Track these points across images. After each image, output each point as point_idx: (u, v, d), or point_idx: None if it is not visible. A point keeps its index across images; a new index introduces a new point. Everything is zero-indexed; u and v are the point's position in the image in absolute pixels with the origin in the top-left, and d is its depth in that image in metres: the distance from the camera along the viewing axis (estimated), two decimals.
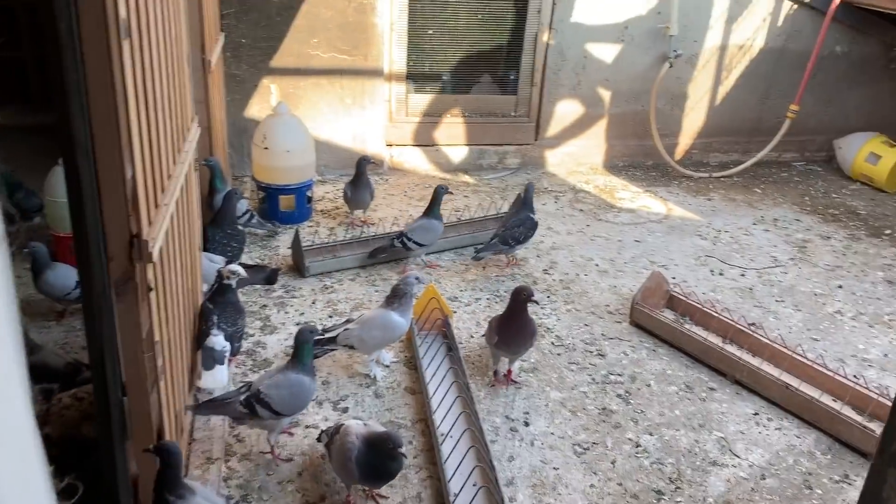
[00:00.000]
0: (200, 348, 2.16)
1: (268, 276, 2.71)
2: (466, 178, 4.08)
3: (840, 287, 3.08)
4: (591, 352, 2.56)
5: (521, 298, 2.25)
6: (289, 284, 2.90)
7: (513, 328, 2.26)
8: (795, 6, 4.15)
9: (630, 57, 4.10)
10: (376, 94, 3.86)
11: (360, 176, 3.32)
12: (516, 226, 3.03)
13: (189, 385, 2.11)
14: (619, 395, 2.35)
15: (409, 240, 2.98)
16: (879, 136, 4.22)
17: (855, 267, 3.26)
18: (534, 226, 3.09)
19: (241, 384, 2.04)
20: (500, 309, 2.74)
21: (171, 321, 1.82)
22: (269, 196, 3.39)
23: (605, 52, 4.07)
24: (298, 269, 2.98)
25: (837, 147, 4.39)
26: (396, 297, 2.32)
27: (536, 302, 2.32)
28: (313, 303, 2.78)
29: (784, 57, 4.26)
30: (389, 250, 3.03)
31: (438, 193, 3.03)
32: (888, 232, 3.63)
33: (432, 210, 3.03)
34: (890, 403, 2.14)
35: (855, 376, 2.41)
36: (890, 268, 3.26)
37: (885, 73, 4.42)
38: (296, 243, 2.99)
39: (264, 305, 2.75)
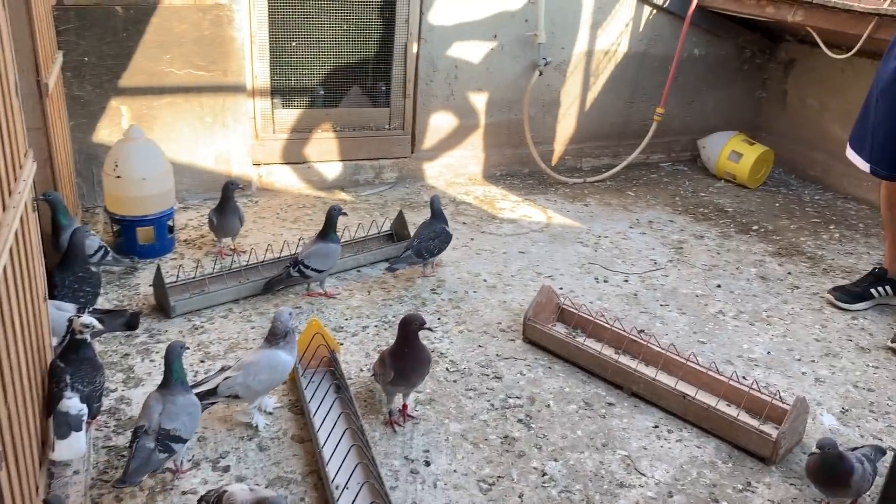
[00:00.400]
0: (52, 414, 1.88)
1: (128, 321, 2.43)
2: (343, 195, 3.90)
3: (719, 286, 3.14)
4: (487, 375, 2.46)
5: (412, 328, 2.11)
6: (153, 327, 2.62)
7: (408, 361, 2.11)
8: (655, 11, 4.26)
9: (501, 66, 4.06)
10: (239, 111, 3.61)
11: (227, 201, 3.07)
12: (431, 238, 2.98)
13: (41, 461, 1.83)
14: (519, 420, 2.25)
15: (307, 267, 2.79)
16: (739, 135, 4.40)
17: (730, 265, 3.35)
18: (448, 238, 3.05)
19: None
20: (389, 337, 2.60)
21: (10, 393, 1.54)
22: (125, 229, 3.07)
23: (476, 61, 4.01)
24: (163, 308, 2.71)
25: (701, 147, 4.55)
26: (278, 336, 2.13)
27: (430, 329, 2.19)
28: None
29: (647, 61, 4.37)
30: (286, 280, 2.83)
31: (332, 215, 2.86)
32: (755, 228, 3.77)
33: (327, 233, 2.86)
34: (782, 405, 2.17)
35: (744, 377, 2.44)
36: (761, 263, 3.38)
37: (740, 73, 4.63)
38: (158, 280, 2.71)
39: (126, 354, 2.47)
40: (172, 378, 1.91)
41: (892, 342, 2.70)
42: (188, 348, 2.39)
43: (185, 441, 1.89)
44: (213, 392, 2.06)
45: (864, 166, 2.83)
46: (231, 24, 3.46)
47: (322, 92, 3.87)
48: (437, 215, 3.09)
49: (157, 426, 1.84)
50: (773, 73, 4.67)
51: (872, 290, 2.97)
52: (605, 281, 3.16)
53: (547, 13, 3.95)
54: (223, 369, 2.16)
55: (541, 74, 4.08)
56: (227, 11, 3.44)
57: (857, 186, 4.13)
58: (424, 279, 3.06)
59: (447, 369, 2.47)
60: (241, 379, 2.06)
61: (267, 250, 3.08)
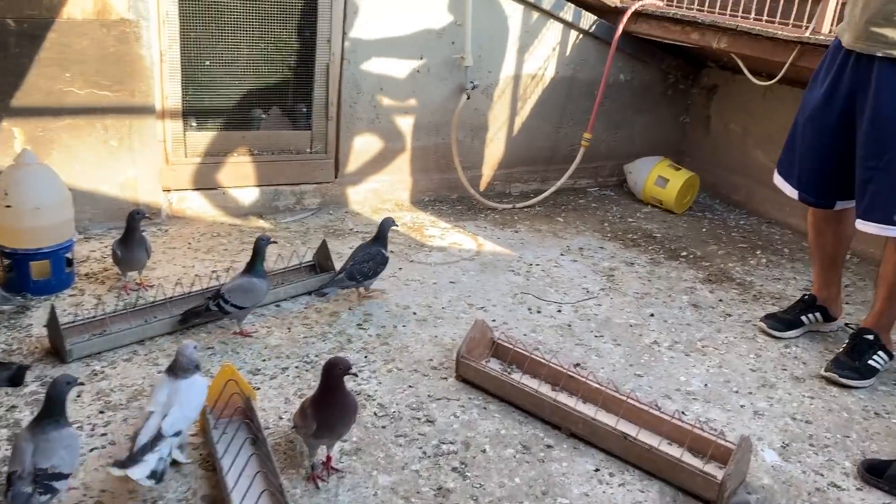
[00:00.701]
0: None
1: (11, 377, 2.16)
2: (261, 222, 3.68)
3: (652, 315, 3.08)
4: (418, 419, 2.29)
5: (336, 373, 1.93)
6: (46, 375, 2.34)
7: (333, 410, 1.93)
8: (581, 36, 4.23)
9: (428, 89, 3.94)
10: (148, 133, 3.36)
11: (132, 231, 2.83)
12: (365, 260, 2.86)
13: None
14: (454, 469, 2.09)
15: (227, 302, 2.57)
16: (665, 160, 4.41)
17: (661, 293, 3.29)
18: (384, 261, 2.91)
19: None
20: (311, 379, 2.41)
21: None
22: (17, 263, 2.78)
23: (403, 84, 3.88)
24: (58, 352, 2.43)
25: (628, 172, 4.53)
26: (187, 371, 1.99)
27: (355, 374, 2.01)
28: (78, 396, 2.25)
29: (574, 86, 4.33)
30: (204, 314, 2.60)
31: (260, 246, 2.66)
32: (684, 254, 3.75)
33: (254, 266, 2.65)
34: (726, 444, 2.08)
35: (684, 412, 2.36)
36: (692, 291, 3.34)
37: (664, 99, 4.65)
38: (52, 320, 2.44)
39: (13, 407, 2.19)
40: (51, 414, 1.76)
41: (824, 371, 2.68)
42: (83, 384, 2.23)
43: (66, 477, 1.72)
44: (158, 439, 1.88)
45: (793, 193, 2.83)
46: (139, 41, 3.22)
47: (239, 114, 3.65)
48: (379, 238, 2.96)
49: (32, 467, 1.68)
50: (696, 98, 4.71)
51: (803, 318, 2.96)
52: (539, 311, 3.04)
53: (474, 36, 3.86)
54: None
55: (468, 98, 3.98)
56: (135, 28, 3.20)
57: (780, 211, 4.18)
58: (350, 313, 2.88)
59: (375, 413, 2.29)
60: (180, 412, 1.93)
61: (177, 284, 2.84)
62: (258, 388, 2.36)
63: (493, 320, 2.92)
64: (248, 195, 3.72)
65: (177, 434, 1.92)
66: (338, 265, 3.10)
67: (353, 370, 1.94)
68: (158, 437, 1.87)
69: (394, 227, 3.05)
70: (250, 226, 3.62)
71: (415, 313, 2.93)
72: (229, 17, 3.45)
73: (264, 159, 3.73)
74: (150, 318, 2.65)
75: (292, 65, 3.70)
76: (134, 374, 2.40)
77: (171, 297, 2.73)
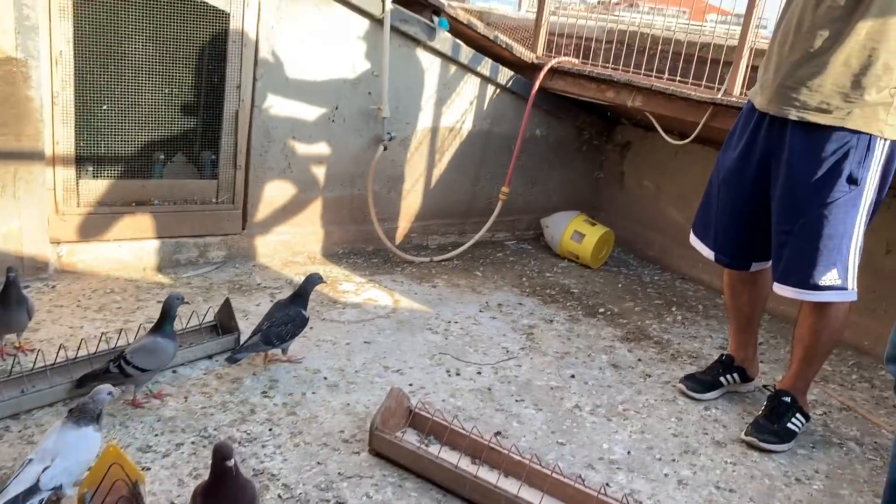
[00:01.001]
0: None
1: None
2: (161, 277, 3.43)
3: (573, 377, 3.00)
4: (327, 501, 2.10)
5: (219, 461, 1.72)
6: None
7: (224, 501, 1.72)
8: (498, 91, 4.22)
9: (343, 139, 3.82)
10: (35, 181, 3.08)
11: (10, 288, 2.55)
12: (283, 322, 2.64)
13: None
14: None
15: (128, 364, 2.34)
16: (581, 215, 4.41)
17: (581, 352, 3.23)
18: (303, 322, 2.71)
19: None
20: (209, 457, 2.18)
21: None
22: None
23: (317, 133, 3.74)
24: None
25: (545, 226, 4.51)
26: (87, 416, 1.88)
27: (230, 469, 1.72)
28: None
29: (491, 139, 4.30)
30: (104, 376, 2.33)
31: (171, 305, 2.45)
32: (602, 311, 3.71)
33: (163, 326, 2.43)
34: None
35: (608, 484, 2.26)
36: (612, 350, 3.29)
37: (579, 154, 4.68)
38: None
39: None
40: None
41: (745, 435, 2.65)
42: None
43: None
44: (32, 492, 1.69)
45: (709, 254, 2.82)
46: (27, 81, 2.97)
47: (139, 161, 3.41)
48: (299, 296, 2.75)
49: None
50: (610, 154, 4.77)
51: (721, 379, 2.94)
52: (458, 374, 2.91)
53: (391, 87, 3.78)
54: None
55: (385, 149, 3.87)
56: (23, 67, 2.95)
57: (692, 267, 4.23)
58: (254, 379, 2.67)
59: (280, 496, 2.09)
60: (62, 465, 1.77)
61: (61, 348, 2.56)
62: (148, 469, 2.12)
63: (410, 384, 2.77)
64: (146, 248, 3.46)
65: (55, 489, 1.74)
66: (242, 324, 2.90)
67: (231, 464, 1.72)
68: (34, 489, 1.68)
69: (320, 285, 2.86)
70: (148, 281, 3.37)
71: (325, 378, 2.75)
72: (130, 59, 3.24)
73: (166, 209, 3.49)
74: (27, 387, 2.37)
75: (199, 111, 3.50)
76: (5, 454, 2.11)
77: (52, 364, 2.46)
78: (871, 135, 2.36)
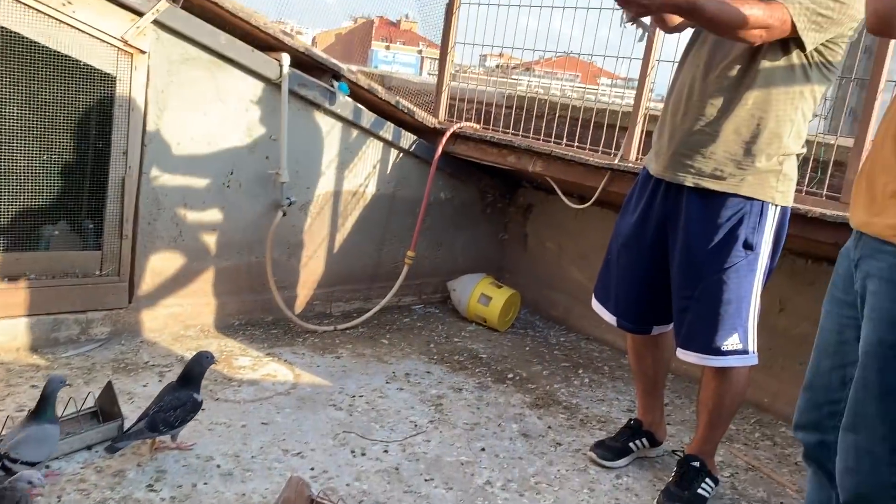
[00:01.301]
0: None
1: None
2: (36, 358, 3.14)
3: (483, 450, 2.90)
4: None
5: None
6: None
7: None
8: (402, 154, 4.18)
9: (239, 205, 3.66)
10: None
11: None
12: (173, 407, 2.43)
13: None
14: None
15: (14, 460, 2.13)
16: (487, 278, 4.38)
17: (491, 422, 3.14)
18: (195, 407, 2.51)
19: None
20: None
21: None
22: None
23: (210, 199, 3.57)
24: None
25: (451, 289, 4.46)
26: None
27: None
28: None
29: (396, 203, 4.24)
30: None
31: (52, 389, 2.25)
32: (510, 376, 3.66)
33: (44, 411, 2.23)
34: None
35: None
36: (521, 418, 3.22)
37: (483, 216, 4.68)
38: None
39: None
40: None
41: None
42: None
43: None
44: None
45: (611, 319, 2.82)
46: None
47: (11, 232, 3.15)
48: (190, 378, 2.53)
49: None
50: (513, 216, 4.80)
51: (631, 444, 2.91)
52: (363, 454, 2.76)
53: (290, 151, 3.67)
54: None
55: (284, 215, 3.74)
56: None
57: (596, 328, 4.25)
58: (138, 471, 2.43)
59: None
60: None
61: None
62: None
63: (312, 468, 2.60)
64: (18, 326, 3.17)
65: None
66: (127, 409, 2.66)
67: None
68: None
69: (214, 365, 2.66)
70: (21, 363, 3.07)
71: (219, 466, 2.54)
72: (4, 123, 3.01)
73: (43, 284, 3.22)
74: None
75: (81, 177, 3.28)
76: None
77: None
78: (763, 201, 2.43)
